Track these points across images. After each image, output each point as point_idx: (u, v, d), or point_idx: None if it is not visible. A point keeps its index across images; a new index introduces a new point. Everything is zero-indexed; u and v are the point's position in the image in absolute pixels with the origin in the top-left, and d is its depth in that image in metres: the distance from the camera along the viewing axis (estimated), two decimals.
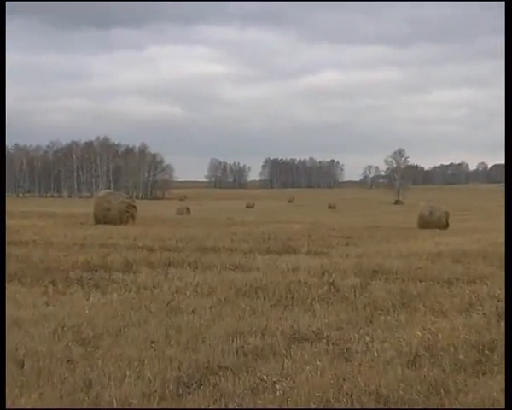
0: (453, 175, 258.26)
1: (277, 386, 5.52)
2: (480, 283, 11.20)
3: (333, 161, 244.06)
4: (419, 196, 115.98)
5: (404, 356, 6.46)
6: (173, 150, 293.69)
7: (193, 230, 25.53)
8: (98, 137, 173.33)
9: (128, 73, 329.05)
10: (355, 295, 9.68)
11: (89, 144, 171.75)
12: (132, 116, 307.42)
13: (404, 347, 6.76)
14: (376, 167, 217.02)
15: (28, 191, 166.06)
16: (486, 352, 6.58)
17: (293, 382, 5.65)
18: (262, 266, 13.01)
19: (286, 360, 6.28)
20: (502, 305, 8.31)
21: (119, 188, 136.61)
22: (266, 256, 15.11)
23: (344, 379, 5.68)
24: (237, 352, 6.55)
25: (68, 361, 6.13)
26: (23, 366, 5.94)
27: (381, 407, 5.23)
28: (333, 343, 6.93)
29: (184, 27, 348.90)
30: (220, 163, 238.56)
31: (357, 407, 5.19)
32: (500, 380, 5.70)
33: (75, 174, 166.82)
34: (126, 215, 30.27)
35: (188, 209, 71.35)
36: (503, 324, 7.36)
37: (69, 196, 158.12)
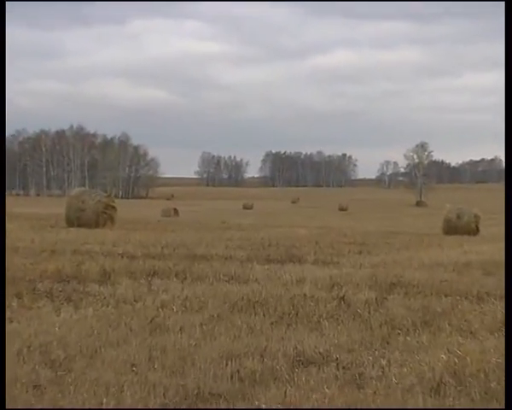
0: (484, 172, 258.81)
1: None
2: None
3: (344, 155, 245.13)
4: (444, 196, 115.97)
5: (426, 383, 6.47)
6: (159, 142, 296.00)
7: (181, 234, 25.57)
8: (71, 126, 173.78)
9: (107, 50, 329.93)
10: (369, 312, 9.70)
11: (60, 134, 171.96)
12: (111, 101, 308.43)
13: (427, 372, 6.77)
14: (395, 163, 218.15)
15: None
16: None
17: None
18: (261, 278, 13.03)
19: (289, 387, 6.29)
20: None
21: (95, 185, 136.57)
22: (266, 266, 15.14)
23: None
24: (232, 377, 6.56)
25: (35, 387, 6.13)
26: None
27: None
28: (343, 368, 6.95)
29: None
30: (213, 157, 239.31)
31: None
32: None
33: (44, 169, 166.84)
34: (104, 217, 30.25)
35: (175, 211, 71.42)
36: None
37: (37, 195, 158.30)
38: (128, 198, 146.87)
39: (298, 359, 7.20)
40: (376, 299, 10.75)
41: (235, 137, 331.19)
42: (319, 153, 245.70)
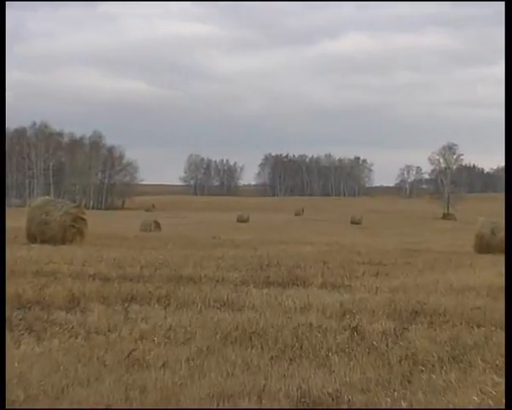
0: None
1: None
2: None
3: (358, 158, 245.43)
4: (476, 208, 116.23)
5: None
6: (137, 142, 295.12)
7: (164, 252, 25.55)
8: (34, 123, 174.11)
9: (77, 34, 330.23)
10: (387, 345, 9.72)
11: (20, 132, 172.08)
12: (82, 94, 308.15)
13: None
14: (418, 168, 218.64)
15: None
16: None
17: None
18: (259, 304, 13.04)
19: None
20: None
21: (61, 193, 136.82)
22: (265, 290, 15.15)
23: None
24: None
25: None
26: None
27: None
28: None
29: None
30: (202, 160, 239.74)
31: None
32: None
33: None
34: (72, 231, 30.30)
35: (156, 224, 71.42)
36: None
37: None
38: (101, 209, 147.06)
39: (302, 400, 7.21)
40: (395, 330, 10.75)
41: (229, 136, 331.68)
42: (328, 156, 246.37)
